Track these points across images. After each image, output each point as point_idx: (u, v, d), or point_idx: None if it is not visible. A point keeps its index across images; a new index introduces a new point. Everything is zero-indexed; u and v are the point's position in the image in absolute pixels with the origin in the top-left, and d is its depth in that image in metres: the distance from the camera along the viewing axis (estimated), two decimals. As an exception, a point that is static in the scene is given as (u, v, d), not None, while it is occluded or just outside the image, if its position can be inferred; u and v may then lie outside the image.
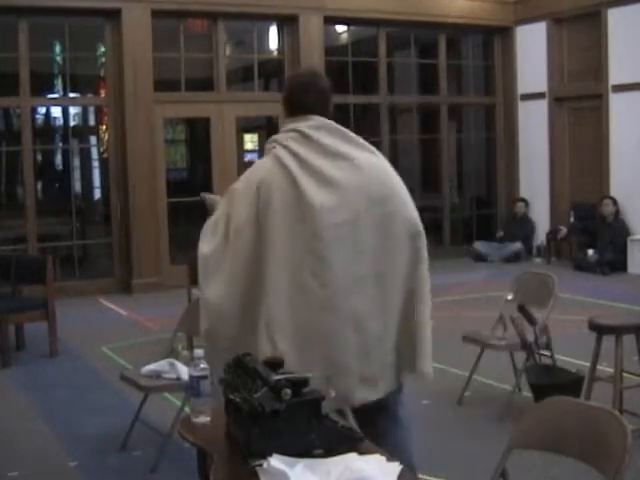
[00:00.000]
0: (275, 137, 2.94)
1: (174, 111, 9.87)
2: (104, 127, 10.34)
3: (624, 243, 9.80)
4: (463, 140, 12.32)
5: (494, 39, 11.65)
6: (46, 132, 11.34)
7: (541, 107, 11.04)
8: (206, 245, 2.90)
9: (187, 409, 3.70)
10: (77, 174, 10.94)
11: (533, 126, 11.20)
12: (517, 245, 10.91)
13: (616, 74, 10.01)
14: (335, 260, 2.74)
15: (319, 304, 2.74)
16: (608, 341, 4.29)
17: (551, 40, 10.83)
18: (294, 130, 2.87)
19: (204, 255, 2.89)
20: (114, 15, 9.11)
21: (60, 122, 11.24)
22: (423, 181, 11.78)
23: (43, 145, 11.03)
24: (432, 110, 11.58)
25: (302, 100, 2.91)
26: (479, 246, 11.08)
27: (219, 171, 9.88)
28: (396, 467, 2.05)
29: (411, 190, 2.99)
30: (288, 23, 10.17)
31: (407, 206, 2.89)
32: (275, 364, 2.29)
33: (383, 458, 2.09)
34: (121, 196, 9.32)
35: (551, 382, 4.42)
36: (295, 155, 2.81)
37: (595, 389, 4.36)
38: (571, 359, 5.34)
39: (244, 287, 2.78)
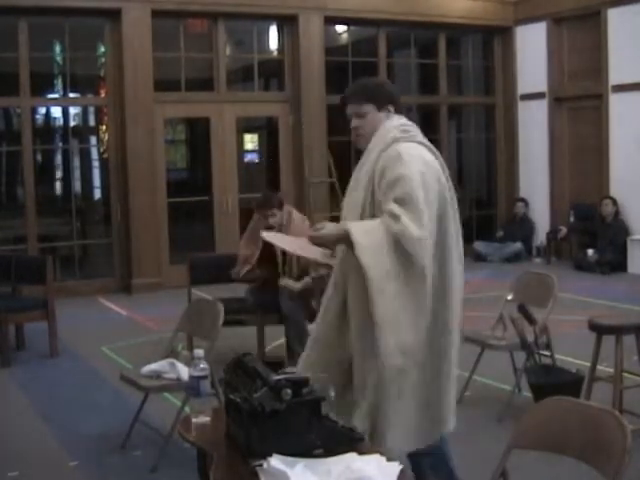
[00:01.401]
0: (416, 132, 2.99)
1: (174, 111, 9.87)
2: (104, 127, 10.32)
3: (624, 243, 9.80)
4: (463, 140, 12.32)
5: (494, 39, 11.65)
6: (46, 132, 11.32)
7: (541, 107, 11.04)
8: (415, 225, 2.68)
9: (187, 409, 3.71)
10: (77, 174, 10.92)
11: (533, 126, 11.19)
12: (517, 245, 10.91)
13: (616, 74, 10.01)
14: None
15: (441, 326, 2.83)
16: (608, 341, 4.29)
17: (551, 40, 10.83)
18: (421, 140, 2.97)
19: (421, 237, 2.69)
20: (114, 15, 9.11)
21: (60, 122, 11.21)
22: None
23: (43, 145, 11.01)
24: (432, 110, 11.58)
25: (400, 105, 3.08)
26: (479, 246, 11.08)
27: (219, 171, 9.89)
28: (396, 467, 2.05)
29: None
30: (288, 23, 10.17)
31: None
32: (275, 364, 2.29)
33: (383, 458, 2.09)
34: (121, 196, 9.33)
35: (551, 382, 4.42)
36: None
37: (595, 389, 4.36)
38: (571, 359, 5.35)
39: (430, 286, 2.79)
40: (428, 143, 2.98)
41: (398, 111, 3.04)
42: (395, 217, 2.67)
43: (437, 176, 2.84)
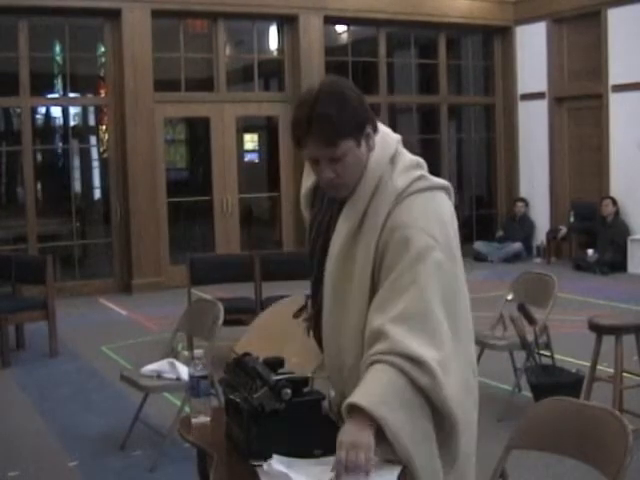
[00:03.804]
0: (420, 163, 2.15)
1: (174, 111, 9.88)
2: (104, 127, 10.33)
3: (624, 243, 9.81)
4: (463, 140, 12.32)
5: (494, 39, 11.66)
6: (46, 132, 11.32)
7: (541, 107, 11.04)
8: (433, 351, 1.89)
9: (187, 409, 3.70)
10: (77, 174, 10.92)
11: (533, 126, 11.20)
12: (517, 245, 10.92)
13: (616, 74, 10.02)
14: None
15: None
16: (608, 341, 4.30)
17: (551, 40, 10.83)
18: (433, 183, 2.10)
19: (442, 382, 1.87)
20: (114, 15, 9.11)
21: (60, 122, 11.22)
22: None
23: (43, 145, 11.01)
24: (432, 110, 11.58)
25: (375, 118, 2.16)
26: (479, 246, 11.08)
27: (219, 171, 9.89)
28: (396, 467, 2.05)
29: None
30: (288, 23, 10.18)
31: None
32: (275, 364, 2.28)
33: (383, 458, 2.08)
34: (121, 196, 9.33)
35: (551, 382, 4.42)
36: None
37: (595, 389, 4.36)
38: (571, 359, 5.35)
39: None
40: (442, 182, 2.09)
41: (375, 128, 2.06)
42: (412, 360, 1.85)
43: (452, 246, 2.08)
